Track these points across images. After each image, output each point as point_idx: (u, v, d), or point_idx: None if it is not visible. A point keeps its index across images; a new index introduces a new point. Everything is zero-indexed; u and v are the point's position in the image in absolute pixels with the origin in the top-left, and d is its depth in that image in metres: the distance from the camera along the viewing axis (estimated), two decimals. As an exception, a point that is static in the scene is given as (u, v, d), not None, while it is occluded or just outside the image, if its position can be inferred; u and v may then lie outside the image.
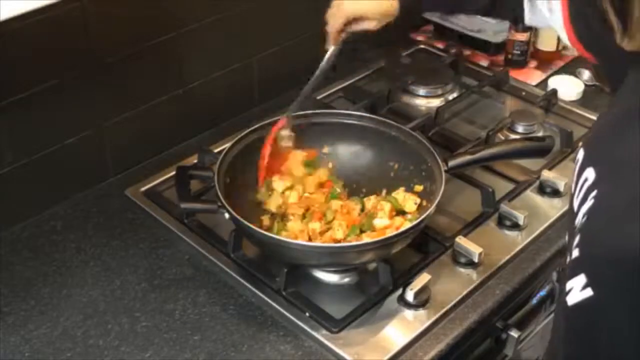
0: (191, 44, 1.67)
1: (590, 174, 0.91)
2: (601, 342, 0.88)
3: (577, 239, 0.89)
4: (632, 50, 0.87)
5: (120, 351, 1.28)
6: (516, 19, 1.46)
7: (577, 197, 0.93)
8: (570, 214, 0.96)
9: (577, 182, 0.95)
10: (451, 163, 1.43)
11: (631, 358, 0.85)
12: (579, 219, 0.90)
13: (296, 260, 1.35)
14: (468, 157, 1.46)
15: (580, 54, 1.29)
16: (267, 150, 1.49)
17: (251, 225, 1.31)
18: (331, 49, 1.48)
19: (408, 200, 1.44)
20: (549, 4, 1.33)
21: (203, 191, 1.54)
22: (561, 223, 1.51)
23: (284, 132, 1.51)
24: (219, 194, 1.35)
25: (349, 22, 1.46)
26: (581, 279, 0.86)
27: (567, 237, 1.00)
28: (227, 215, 1.34)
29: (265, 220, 1.44)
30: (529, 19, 1.42)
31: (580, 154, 0.97)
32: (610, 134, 0.93)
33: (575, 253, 0.88)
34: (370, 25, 1.47)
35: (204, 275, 1.42)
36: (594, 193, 0.88)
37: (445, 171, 1.40)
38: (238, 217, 1.32)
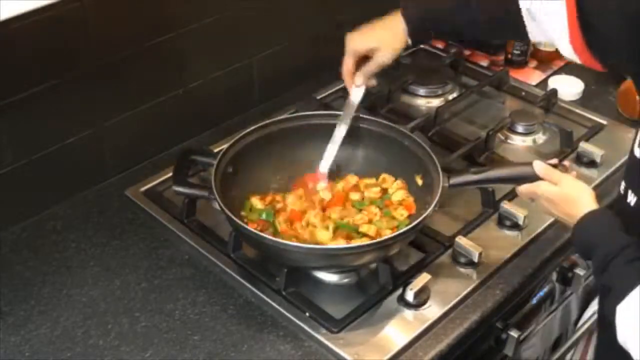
0: (191, 44, 1.67)
1: None
2: None
3: None
4: None
5: (120, 351, 1.28)
6: (519, 37, 1.45)
7: None
8: None
9: None
10: (453, 181, 1.39)
11: None
12: None
13: (293, 262, 1.35)
14: (471, 177, 1.40)
15: (583, 63, 1.29)
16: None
17: (244, 225, 1.32)
18: (354, 98, 1.49)
19: (397, 193, 1.46)
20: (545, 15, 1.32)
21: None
22: (561, 223, 1.51)
23: (319, 186, 1.51)
24: (213, 181, 1.36)
25: (361, 61, 1.46)
26: None
27: None
28: (216, 205, 1.34)
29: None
30: (532, 35, 1.39)
31: None
32: None
33: None
34: (382, 58, 1.46)
35: (204, 275, 1.42)
36: None
37: (446, 187, 1.38)
38: (228, 211, 1.32)
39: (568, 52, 1.29)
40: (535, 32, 1.37)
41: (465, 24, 1.45)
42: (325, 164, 1.51)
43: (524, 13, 1.35)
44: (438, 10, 1.46)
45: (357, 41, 1.46)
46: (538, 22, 1.33)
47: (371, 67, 1.48)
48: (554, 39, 1.32)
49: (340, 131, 1.51)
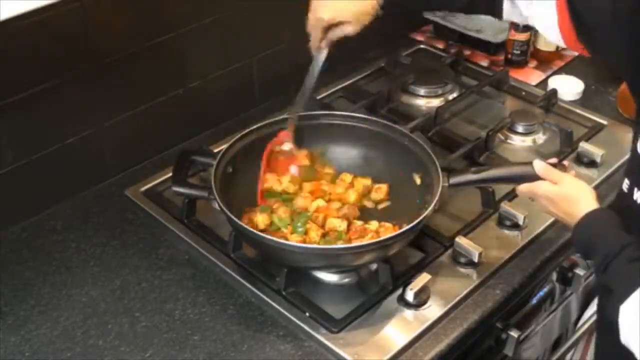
0: (191, 44, 1.67)
1: None
2: None
3: None
4: None
5: (120, 351, 1.28)
6: (493, 14, 1.44)
7: None
8: None
9: None
10: (453, 181, 1.39)
11: None
12: None
13: (293, 262, 1.35)
14: (471, 177, 1.40)
15: (572, 50, 1.31)
16: (264, 164, 1.49)
17: (244, 225, 1.32)
18: (317, 59, 1.46)
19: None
20: (529, 4, 1.33)
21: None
22: (561, 223, 1.51)
23: (285, 147, 1.51)
24: (213, 181, 1.36)
25: (328, 30, 1.43)
26: None
27: None
28: (216, 205, 1.34)
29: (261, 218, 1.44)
30: (506, 15, 1.40)
31: None
32: None
33: None
34: (349, 29, 1.42)
35: (204, 275, 1.42)
36: None
37: (446, 186, 1.38)
38: (228, 211, 1.32)
39: (556, 38, 1.30)
40: (510, 12, 1.39)
41: None
42: (290, 120, 1.51)
43: None
44: None
45: (325, 11, 1.42)
46: (516, 2, 1.35)
47: (336, 35, 1.44)
48: (537, 24, 1.34)
49: (302, 97, 1.50)
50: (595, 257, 1.17)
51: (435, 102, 1.89)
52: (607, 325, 1.15)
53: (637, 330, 1.07)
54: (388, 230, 1.39)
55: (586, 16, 1.25)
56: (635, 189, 1.19)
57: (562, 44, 1.34)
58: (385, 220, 1.43)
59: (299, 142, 1.52)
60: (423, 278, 1.35)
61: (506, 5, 1.39)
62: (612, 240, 1.16)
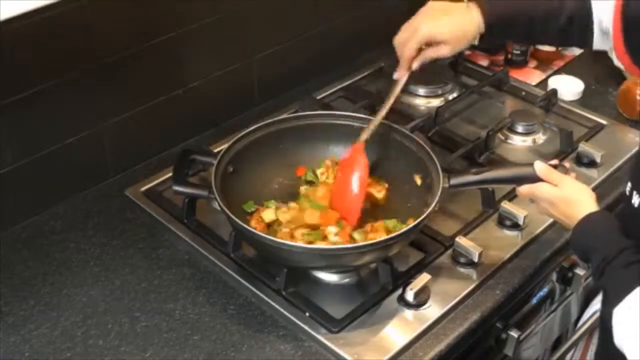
0: (191, 44, 1.67)
1: None
2: None
3: None
4: None
5: (120, 351, 1.28)
6: (585, 45, 1.41)
7: None
8: None
9: None
10: (453, 181, 1.38)
11: None
12: None
13: (293, 262, 1.34)
14: (471, 178, 1.39)
15: (627, 69, 1.29)
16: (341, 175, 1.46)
17: (244, 224, 1.32)
18: (403, 79, 1.41)
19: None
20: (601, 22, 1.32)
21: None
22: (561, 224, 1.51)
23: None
24: (213, 181, 1.36)
25: (423, 47, 1.37)
26: None
27: None
28: (216, 205, 1.34)
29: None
30: (597, 43, 1.38)
31: None
32: None
33: None
34: (444, 51, 1.36)
35: (204, 275, 1.42)
36: None
37: (446, 187, 1.38)
38: (228, 211, 1.32)
39: (615, 60, 1.30)
40: (601, 41, 1.36)
41: (545, 24, 1.37)
42: (365, 136, 1.46)
43: (595, 23, 1.34)
44: (523, 5, 1.38)
45: (430, 28, 1.35)
46: (605, 31, 1.33)
47: (431, 55, 1.39)
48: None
49: (386, 108, 1.45)
50: (593, 261, 1.17)
51: (435, 102, 1.89)
52: (605, 328, 1.15)
53: (629, 334, 1.07)
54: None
55: (635, 29, 1.24)
56: (635, 193, 1.20)
57: (620, 64, 1.32)
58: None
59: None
60: (423, 278, 1.35)
61: (596, 36, 1.36)
62: (610, 243, 1.16)
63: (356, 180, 1.44)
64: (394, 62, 2.01)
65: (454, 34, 1.36)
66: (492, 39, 1.40)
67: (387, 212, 1.47)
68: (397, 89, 1.43)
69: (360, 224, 1.42)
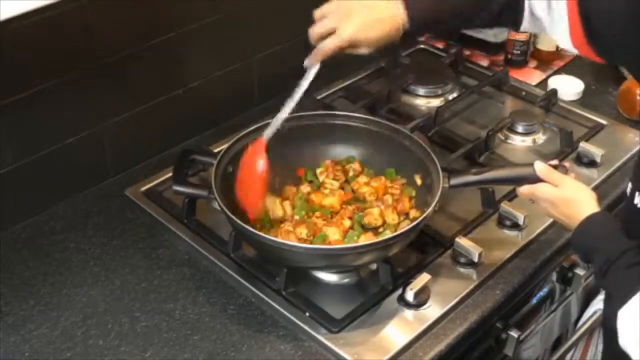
0: (191, 44, 1.67)
1: None
2: None
3: None
4: None
5: (120, 351, 1.28)
6: (515, 27, 1.39)
7: None
8: None
9: None
10: (453, 181, 1.38)
11: None
12: None
13: (292, 262, 1.34)
14: (471, 178, 1.39)
15: (583, 55, 1.29)
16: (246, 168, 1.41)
17: (244, 224, 1.32)
18: (315, 68, 1.35)
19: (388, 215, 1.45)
20: (548, 6, 1.32)
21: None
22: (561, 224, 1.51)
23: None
24: (213, 181, 1.36)
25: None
26: None
27: None
28: (216, 205, 1.34)
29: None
30: (526, 26, 1.37)
31: None
32: None
33: None
34: (363, 51, 1.32)
35: (204, 275, 1.42)
36: None
37: (446, 187, 1.38)
38: (228, 211, 1.32)
39: (567, 45, 1.29)
40: (527, 24, 1.36)
41: (472, 18, 1.36)
42: (269, 132, 1.41)
43: (526, 6, 1.33)
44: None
45: (352, 33, 1.29)
46: (535, 15, 1.33)
47: (349, 52, 1.33)
48: (549, 32, 1.32)
49: (294, 100, 1.39)
50: (595, 262, 1.17)
51: (435, 102, 1.89)
52: (609, 329, 1.15)
53: (634, 335, 1.07)
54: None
55: (597, 20, 1.22)
56: (637, 193, 1.20)
57: (574, 51, 1.31)
58: None
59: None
60: (423, 278, 1.35)
61: (526, 17, 1.34)
62: (612, 245, 1.16)
63: (255, 176, 1.39)
64: (394, 62, 2.02)
65: (376, 35, 1.30)
66: (415, 34, 1.37)
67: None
68: (308, 80, 1.36)
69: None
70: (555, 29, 1.31)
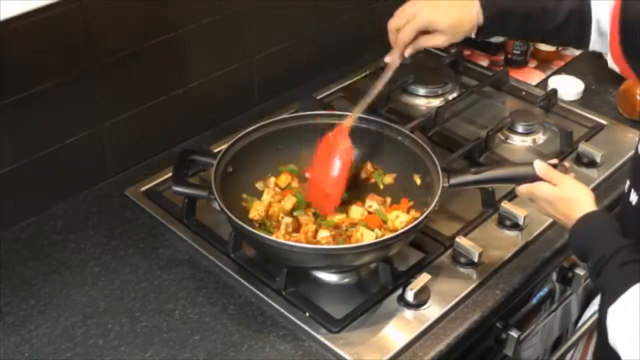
0: (191, 44, 1.67)
1: None
2: None
3: None
4: None
5: (120, 351, 1.28)
6: (580, 45, 1.40)
7: None
8: None
9: None
10: (453, 181, 1.38)
11: None
12: None
13: (293, 262, 1.34)
14: (471, 177, 1.39)
15: (623, 74, 1.28)
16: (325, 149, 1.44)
17: (244, 224, 1.32)
18: (394, 64, 1.37)
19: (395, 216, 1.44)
20: (599, 23, 1.31)
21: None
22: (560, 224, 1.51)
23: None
24: (213, 181, 1.36)
25: (419, 35, 1.34)
26: None
27: None
28: (216, 205, 1.34)
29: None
30: (593, 45, 1.37)
31: None
32: None
33: None
34: (440, 40, 1.34)
35: (204, 275, 1.42)
36: None
37: (446, 187, 1.38)
38: (228, 211, 1.32)
39: (610, 62, 1.29)
40: (595, 43, 1.35)
41: (541, 21, 1.36)
42: (352, 120, 1.45)
43: (594, 22, 1.33)
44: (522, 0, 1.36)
45: (429, 14, 1.32)
46: (603, 32, 1.33)
47: (425, 44, 1.36)
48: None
49: (375, 92, 1.43)
50: (590, 260, 1.17)
51: (435, 102, 1.89)
52: (602, 327, 1.15)
53: (622, 332, 1.07)
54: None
55: (633, 33, 1.23)
56: (633, 190, 1.20)
57: (617, 69, 1.31)
58: None
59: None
60: (423, 278, 1.35)
61: (594, 36, 1.34)
62: (607, 243, 1.16)
63: (337, 164, 1.41)
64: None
65: (452, 24, 1.34)
66: (488, 33, 1.39)
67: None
68: (388, 75, 1.40)
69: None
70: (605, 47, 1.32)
